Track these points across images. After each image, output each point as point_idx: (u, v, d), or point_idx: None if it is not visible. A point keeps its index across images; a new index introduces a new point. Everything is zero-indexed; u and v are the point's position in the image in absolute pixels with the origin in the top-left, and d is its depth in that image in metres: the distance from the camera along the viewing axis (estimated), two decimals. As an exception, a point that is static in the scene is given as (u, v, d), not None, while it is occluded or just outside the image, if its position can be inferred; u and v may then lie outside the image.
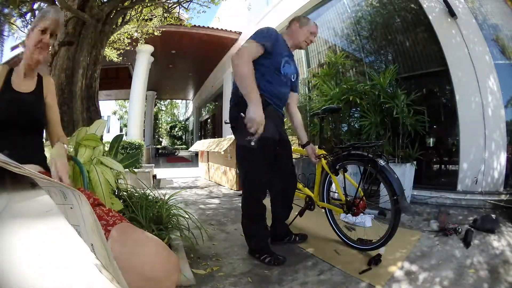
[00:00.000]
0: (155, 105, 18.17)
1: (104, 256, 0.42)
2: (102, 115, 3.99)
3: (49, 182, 0.46)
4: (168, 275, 0.56)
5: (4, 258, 0.27)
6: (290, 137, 4.65)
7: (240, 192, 3.91)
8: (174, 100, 23.86)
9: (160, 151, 15.62)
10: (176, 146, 21.17)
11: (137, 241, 0.58)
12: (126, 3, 3.37)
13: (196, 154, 8.28)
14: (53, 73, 2.70)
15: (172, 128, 23.88)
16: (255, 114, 1.35)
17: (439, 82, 3.23)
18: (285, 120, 1.95)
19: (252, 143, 1.41)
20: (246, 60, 1.43)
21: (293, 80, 1.76)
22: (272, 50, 1.55)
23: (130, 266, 0.51)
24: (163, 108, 24.38)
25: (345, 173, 1.82)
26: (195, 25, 6.95)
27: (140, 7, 4.12)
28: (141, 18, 4.65)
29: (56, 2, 2.94)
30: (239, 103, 1.52)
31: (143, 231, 0.64)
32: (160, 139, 23.23)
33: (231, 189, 4.11)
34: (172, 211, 1.79)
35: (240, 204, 1.75)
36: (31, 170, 0.42)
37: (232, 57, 1.44)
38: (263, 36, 1.53)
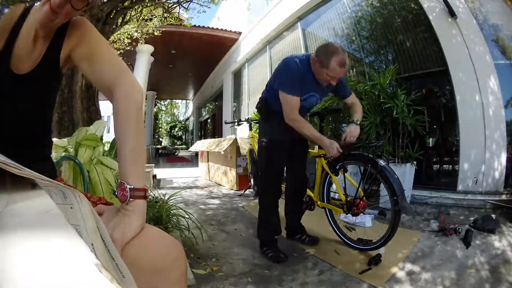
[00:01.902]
0: (155, 105, 18.15)
1: (104, 256, 0.42)
2: (102, 115, 3.98)
3: (49, 182, 0.45)
4: (177, 263, 0.54)
5: (3, 258, 0.27)
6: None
7: (240, 192, 3.92)
8: (174, 100, 23.86)
9: (160, 151, 15.61)
10: (176, 146, 21.15)
11: (142, 233, 0.56)
12: (126, 3, 3.37)
13: (196, 154, 8.27)
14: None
15: (172, 128, 23.87)
16: (329, 146, 1.63)
17: (439, 82, 3.22)
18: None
19: (263, 143, 1.80)
20: (296, 115, 1.66)
21: (314, 105, 1.86)
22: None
23: (139, 259, 0.51)
24: (163, 108, 24.36)
25: (345, 173, 1.83)
26: (195, 25, 6.94)
27: (140, 7, 4.13)
28: (141, 18, 4.65)
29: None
30: (268, 117, 1.82)
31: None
32: (160, 139, 23.21)
33: (231, 189, 4.11)
34: (172, 211, 1.79)
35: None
36: (30, 171, 0.42)
37: (286, 117, 1.67)
38: (293, 88, 1.64)
